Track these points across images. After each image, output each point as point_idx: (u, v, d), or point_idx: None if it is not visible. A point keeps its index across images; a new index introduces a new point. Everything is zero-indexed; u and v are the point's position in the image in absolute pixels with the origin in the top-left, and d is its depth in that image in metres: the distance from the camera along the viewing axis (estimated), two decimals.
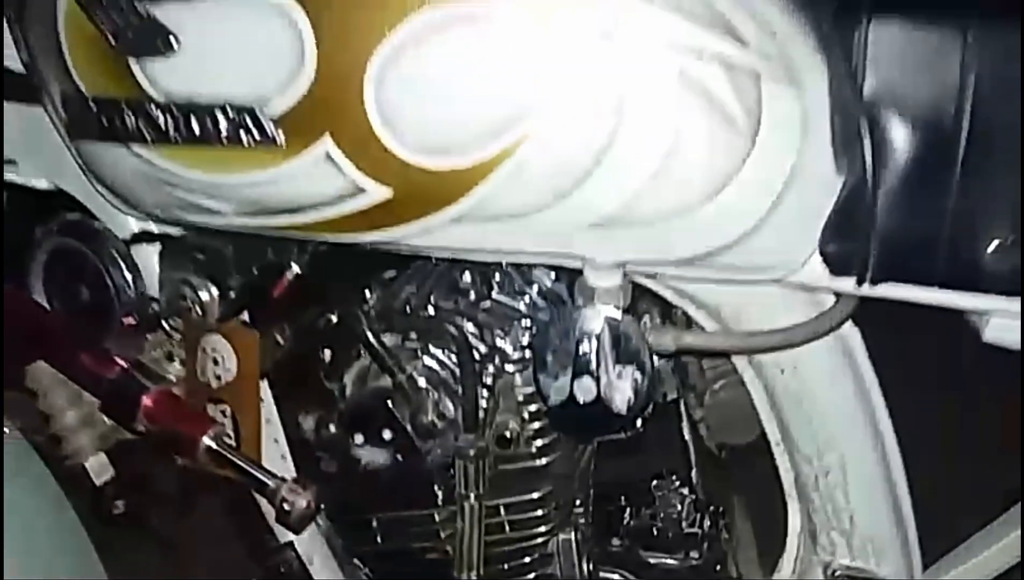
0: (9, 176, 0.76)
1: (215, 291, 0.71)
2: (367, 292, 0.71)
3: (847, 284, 0.56)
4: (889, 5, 0.52)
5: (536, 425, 0.68)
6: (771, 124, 0.52)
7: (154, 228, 0.73)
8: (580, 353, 0.56)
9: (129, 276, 0.72)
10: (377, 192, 0.56)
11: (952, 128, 0.51)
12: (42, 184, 0.76)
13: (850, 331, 0.65)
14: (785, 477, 0.74)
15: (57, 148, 0.69)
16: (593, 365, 0.56)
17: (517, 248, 0.58)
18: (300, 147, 0.55)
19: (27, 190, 0.77)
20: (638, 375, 0.57)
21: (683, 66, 0.51)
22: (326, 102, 0.54)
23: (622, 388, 0.56)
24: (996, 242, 0.50)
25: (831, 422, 0.68)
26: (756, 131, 0.52)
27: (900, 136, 0.53)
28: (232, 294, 0.71)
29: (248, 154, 0.56)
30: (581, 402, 0.56)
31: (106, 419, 0.78)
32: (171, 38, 0.55)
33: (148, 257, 0.74)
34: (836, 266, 0.55)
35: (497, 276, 0.72)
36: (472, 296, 0.71)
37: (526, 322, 0.70)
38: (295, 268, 0.71)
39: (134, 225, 0.73)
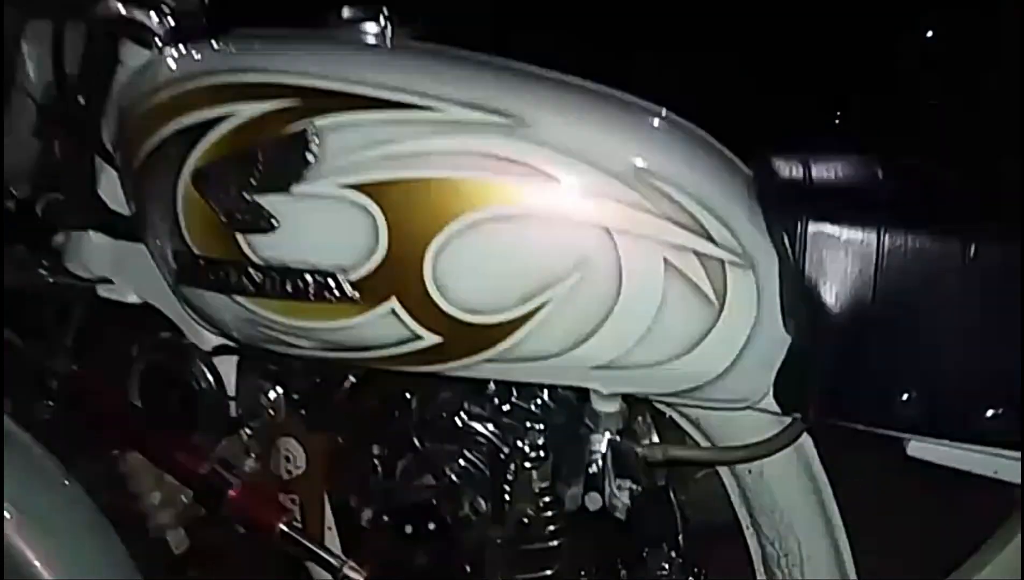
0: (105, 293, 0.92)
1: (284, 397, 0.87)
2: (411, 400, 0.86)
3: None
4: (822, 211, 0.68)
5: (549, 513, 0.84)
6: (734, 298, 0.68)
7: (231, 343, 0.88)
8: (589, 471, 0.72)
9: (212, 384, 0.88)
10: (430, 338, 0.71)
11: (869, 303, 0.68)
12: (132, 299, 0.92)
13: (805, 440, 0.81)
14: (753, 555, 0.89)
15: (146, 272, 0.84)
16: (599, 481, 0.71)
17: (537, 379, 0.74)
18: (372, 304, 0.71)
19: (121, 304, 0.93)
20: (633, 486, 0.72)
21: (668, 256, 0.67)
22: (393, 272, 0.70)
23: (622, 498, 0.72)
24: (906, 395, 0.66)
25: (789, 513, 0.84)
26: (723, 304, 0.68)
27: (832, 306, 0.69)
28: (300, 399, 0.87)
29: (330, 307, 0.72)
30: (591, 510, 0.72)
31: (185, 498, 0.94)
32: (272, 220, 0.71)
33: (228, 366, 0.89)
34: (785, 405, 0.71)
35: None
36: (496, 401, 0.87)
37: (540, 425, 0.85)
38: (352, 378, 0.87)
39: (215, 339, 0.88)
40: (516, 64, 0.78)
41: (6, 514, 0.86)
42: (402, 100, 0.69)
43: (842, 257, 0.68)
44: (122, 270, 0.89)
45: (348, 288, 0.71)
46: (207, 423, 0.87)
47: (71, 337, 0.93)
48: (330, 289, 0.71)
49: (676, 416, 0.81)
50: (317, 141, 0.69)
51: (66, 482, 0.90)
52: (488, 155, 0.68)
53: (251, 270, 0.73)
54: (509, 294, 0.69)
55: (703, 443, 0.82)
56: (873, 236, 0.67)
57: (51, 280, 0.92)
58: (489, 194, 0.68)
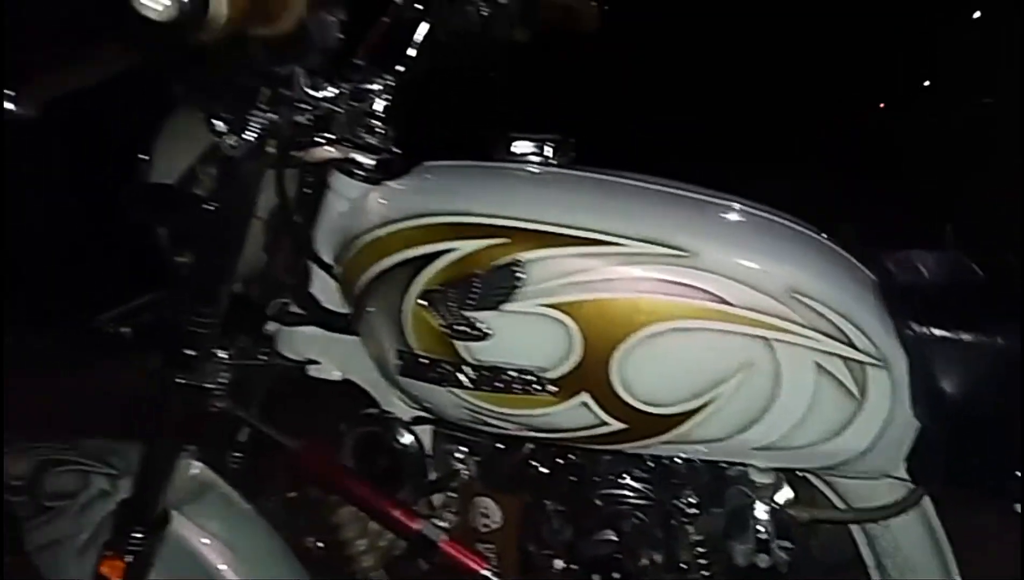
0: (313, 373, 1.10)
1: (472, 459, 1.04)
2: (583, 463, 1.02)
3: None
4: (936, 316, 0.83)
5: (704, 561, 0.99)
6: (872, 392, 0.83)
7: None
8: (758, 536, 0.87)
9: (415, 449, 1.05)
10: (616, 425, 0.87)
11: (982, 394, 0.82)
12: (336, 376, 1.10)
13: (926, 501, 0.95)
14: None
15: (349, 354, 1.02)
16: (766, 544, 0.87)
17: (706, 457, 0.90)
18: (567, 397, 0.87)
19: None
20: (787, 543, 0.88)
21: (818, 360, 0.82)
22: (586, 372, 0.85)
23: (783, 555, 0.87)
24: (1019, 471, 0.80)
25: (911, 557, 0.98)
26: (863, 397, 0.83)
27: (952, 397, 0.83)
28: (485, 462, 1.04)
29: (532, 399, 0.88)
30: (762, 567, 0.88)
31: (384, 543, 1.12)
32: (487, 331, 0.88)
33: (424, 434, 1.07)
34: (916, 477, 0.85)
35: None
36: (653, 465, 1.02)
37: (691, 486, 1.00)
38: (530, 446, 1.03)
39: (411, 411, 1.05)
40: (679, 191, 0.93)
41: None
42: (591, 237, 0.85)
43: (955, 354, 0.82)
44: (327, 354, 1.06)
45: (548, 384, 0.87)
46: (412, 482, 1.04)
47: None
48: (533, 385, 0.87)
49: (812, 478, 0.95)
50: (523, 271, 0.85)
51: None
52: (663, 281, 0.84)
53: (466, 368, 0.90)
54: (683, 391, 0.85)
55: (834, 499, 0.97)
56: (975, 335, 0.81)
57: (268, 362, 1.11)
58: (665, 311, 0.83)
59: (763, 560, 0.87)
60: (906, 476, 0.87)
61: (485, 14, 1.07)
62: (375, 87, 0.99)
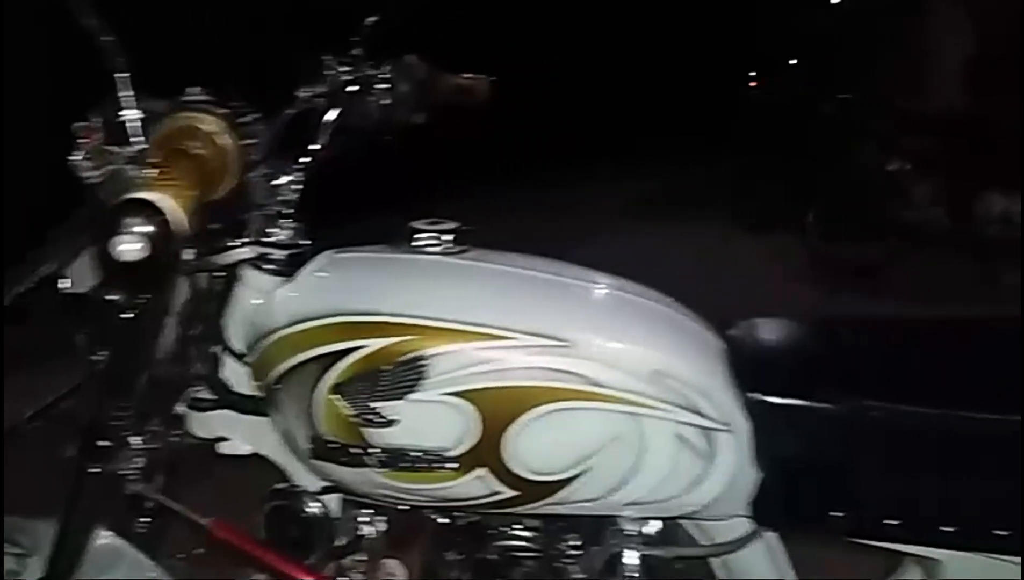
0: (224, 449, 1.17)
1: (383, 526, 1.15)
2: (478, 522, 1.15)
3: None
4: (775, 386, 1.00)
5: None
6: (720, 453, 0.99)
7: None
8: (626, 576, 1.03)
9: (323, 517, 1.14)
10: (508, 493, 1.00)
11: (811, 453, 1.00)
12: (245, 451, 1.17)
13: (772, 537, 1.13)
14: None
15: (258, 431, 1.10)
16: None
17: (585, 513, 1.04)
18: (466, 472, 0.99)
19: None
20: None
21: (676, 431, 0.98)
22: (482, 450, 0.98)
23: None
24: (838, 512, 0.99)
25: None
26: (713, 456, 0.99)
27: (787, 454, 1.01)
28: (392, 527, 1.15)
29: (434, 475, 1.00)
30: None
31: None
32: (391, 418, 0.98)
33: (331, 501, 1.16)
34: (758, 518, 1.03)
35: None
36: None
37: (575, 531, 1.15)
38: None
39: (320, 482, 1.14)
40: (560, 277, 1.06)
41: None
42: (487, 332, 0.97)
43: (790, 418, 1.00)
44: (238, 431, 1.14)
45: (449, 462, 0.99)
46: (321, 547, 1.14)
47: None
48: (435, 463, 0.99)
49: (683, 522, 1.12)
50: (427, 363, 0.96)
51: None
52: (546, 369, 0.97)
53: (374, 451, 1.00)
54: (564, 461, 0.98)
55: (699, 537, 1.14)
56: (812, 403, 0.99)
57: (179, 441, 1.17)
58: (548, 395, 0.97)
59: None
60: (750, 516, 1.04)
61: (386, 102, 1.15)
62: (282, 181, 1.07)
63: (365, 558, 1.15)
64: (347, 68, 1.13)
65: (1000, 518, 0.95)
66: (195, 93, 1.01)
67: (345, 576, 1.14)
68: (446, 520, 1.14)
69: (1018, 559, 0.99)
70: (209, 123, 0.97)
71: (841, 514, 0.99)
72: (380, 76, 1.15)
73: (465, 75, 1.32)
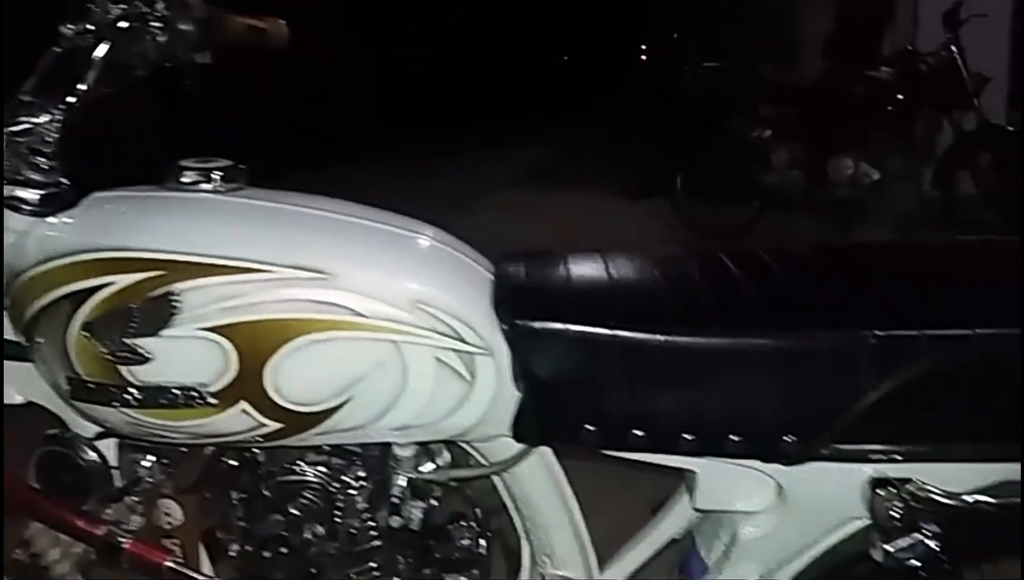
0: None
1: (158, 465, 1.14)
2: (259, 458, 1.15)
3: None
4: (532, 313, 1.04)
5: (370, 524, 1.16)
6: (481, 375, 1.02)
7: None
8: (392, 500, 1.06)
9: (98, 463, 1.13)
10: (273, 425, 1.01)
11: (567, 372, 1.05)
12: (19, 401, 1.15)
13: (551, 456, 1.18)
14: (521, 536, 1.26)
15: (29, 379, 1.08)
16: (400, 507, 1.05)
17: (353, 441, 1.06)
18: (227, 406, 0.99)
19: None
20: (420, 503, 1.07)
21: (437, 355, 1.00)
22: (242, 384, 0.98)
23: (416, 514, 1.06)
24: (589, 426, 1.03)
25: (537, 499, 1.21)
26: (474, 380, 1.02)
27: (542, 374, 1.05)
28: (170, 466, 1.15)
29: (195, 410, 1.00)
30: (395, 527, 1.06)
31: (76, 549, 1.19)
32: (148, 355, 0.97)
33: (109, 447, 1.14)
34: (519, 437, 1.07)
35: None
36: (325, 452, 1.17)
37: (359, 463, 1.16)
38: (209, 448, 1.15)
39: (95, 428, 1.13)
40: (325, 212, 1.07)
41: None
42: (241, 265, 0.97)
43: (548, 342, 1.04)
44: (9, 380, 1.12)
45: (209, 397, 0.99)
46: (98, 493, 1.12)
47: None
48: (194, 399, 0.99)
49: (464, 446, 1.15)
50: (178, 299, 0.96)
51: None
52: (306, 301, 0.98)
53: (132, 390, 0.99)
54: (326, 391, 1.00)
55: (481, 459, 1.17)
56: (573, 327, 1.03)
57: None
58: (307, 326, 0.98)
59: (395, 521, 1.05)
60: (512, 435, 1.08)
61: (162, 40, 1.11)
62: (42, 120, 1.04)
63: (142, 500, 1.14)
64: (118, 3, 1.10)
65: (734, 425, 1.01)
66: None
67: (122, 518, 1.13)
68: (229, 457, 1.14)
69: (765, 464, 1.06)
70: None
71: (593, 428, 1.04)
72: (154, 13, 1.12)
73: (261, 17, 1.30)
